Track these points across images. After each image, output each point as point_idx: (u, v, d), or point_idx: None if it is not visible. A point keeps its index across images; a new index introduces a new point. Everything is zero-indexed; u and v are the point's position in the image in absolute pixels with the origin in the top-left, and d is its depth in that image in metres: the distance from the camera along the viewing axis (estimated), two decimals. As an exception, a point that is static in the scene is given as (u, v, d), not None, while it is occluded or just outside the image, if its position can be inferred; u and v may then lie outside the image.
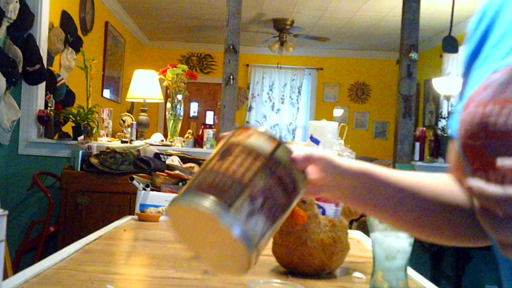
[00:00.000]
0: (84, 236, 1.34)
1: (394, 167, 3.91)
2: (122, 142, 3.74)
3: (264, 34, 7.21)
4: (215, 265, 0.63)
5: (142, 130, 4.02)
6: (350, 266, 1.18)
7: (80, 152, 3.33)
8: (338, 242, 1.08)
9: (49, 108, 3.84)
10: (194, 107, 8.60)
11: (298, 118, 8.52)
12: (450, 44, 4.70)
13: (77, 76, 4.59)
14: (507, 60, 0.62)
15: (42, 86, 3.77)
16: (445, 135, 4.16)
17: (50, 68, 4.09)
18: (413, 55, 3.85)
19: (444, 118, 4.46)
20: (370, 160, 7.65)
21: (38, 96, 3.71)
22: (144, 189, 1.87)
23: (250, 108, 8.46)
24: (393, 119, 4.23)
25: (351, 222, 2.66)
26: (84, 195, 3.25)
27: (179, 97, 3.92)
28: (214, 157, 0.61)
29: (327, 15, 6.35)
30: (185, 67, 3.92)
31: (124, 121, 3.97)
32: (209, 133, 3.85)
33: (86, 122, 3.71)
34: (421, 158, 4.02)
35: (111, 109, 3.98)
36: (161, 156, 2.29)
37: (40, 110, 3.69)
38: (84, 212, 3.24)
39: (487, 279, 4.00)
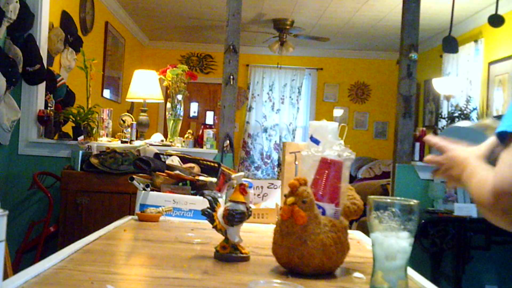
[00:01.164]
0: (84, 236, 1.33)
1: (394, 167, 3.91)
2: (122, 142, 3.74)
3: (264, 34, 7.21)
4: None
5: (142, 130, 4.02)
6: (350, 266, 1.18)
7: (80, 152, 3.33)
8: (338, 242, 1.07)
9: (49, 108, 3.84)
10: (194, 107, 8.61)
11: (298, 118, 8.52)
12: (450, 44, 4.70)
13: (77, 76, 4.59)
14: None
15: (42, 86, 3.77)
16: (445, 135, 4.14)
17: (50, 68, 4.09)
18: (413, 55, 3.85)
19: (444, 118, 4.46)
20: (370, 160, 7.66)
21: (38, 96, 3.71)
22: (144, 189, 1.87)
23: (250, 108, 8.46)
24: (393, 119, 4.23)
25: (351, 222, 2.66)
26: (84, 195, 3.25)
27: (179, 97, 3.92)
28: None
29: (327, 15, 6.35)
30: (185, 67, 3.92)
31: (124, 121, 3.97)
32: (209, 133, 3.85)
33: (86, 122, 3.71)
34: (421, 158, 4.01)
35: (111, 109, 3.98)
36: (161, 156, 2.28)
37: (40, 110, 3.70)
38: (84, 212, 3.24)
39: (487, 279, 4.00)
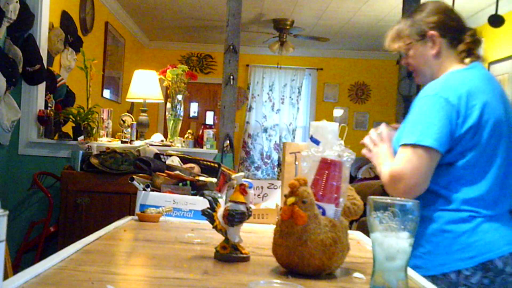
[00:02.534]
0: (84, 236, 1.33)
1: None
2: (122, 142, 3.74)
3: (264, 34, 7.21)
4: None
5: (142, 130, 4.02)
6: (350, 267, 1.18)
7: (80, 152, 3.33)
8: (338, 243, 1.07)
9: (49, 108, 3.84)
10: (194, 107, 8.61)
11: (298, 118, 8.52)
12: (450, 44, 4.69)
13: (77, 76, 4.60)
14: None
15: (42, 86, 3.77)
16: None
17: (50, 68, 4.09)
18: (413, 55, 3.85)
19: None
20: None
21: (38, 96, 3.71)
22: (144, 189, 1.87)
23: (250, 108, 8.46)
24: (393, 119, 4.24)
25: (351, 223, 2.66)
26: (84, 195, 3.25)
27: (179, 97, 3.92)
28: None
29: (327, 15, 6.36)
30: (185, 67, 3.92)
31: (124, 121, 3.97)
32: (209, 133, 3.85)
33: (86, 122, 3.71)
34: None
35: (111, 109, 3.98)
36: (161, 156, 2.29)
37: (40, 110, 3.70)
38: (84, 212, 3.24)
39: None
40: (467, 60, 1.65)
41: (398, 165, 1.52)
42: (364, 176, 7.27)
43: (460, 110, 1.50)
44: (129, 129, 3.86)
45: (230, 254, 1.19)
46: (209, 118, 8.54)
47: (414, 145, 1.49)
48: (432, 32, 1.65)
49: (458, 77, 1.59)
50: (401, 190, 1.49)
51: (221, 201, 1.33)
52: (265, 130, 8.47)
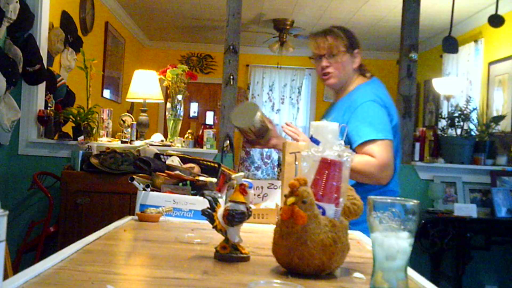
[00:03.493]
0: (84, 236, 1.33)
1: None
2: (122, 142, 3.74)
3: (264, 34, 7.21)
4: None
5: (142, 130, 4.02)
6: (350, 266, 1.18)
7: (80, 152, 3.33)
8: (338, 243, 1.07)
9: (49, 108, 3.85)
10: (194, 107, 8.61)
11: (298, 118, 8.52)
12: (450, 44, 4.70)
13: (77, 76, 4.59)
14: None
15: (42, 86, 3.77)
16: (445, 135, 4.15)
17: (50, 68, 4.09)
18: (413, 55, 3.85)
19: (444, 118, 4.46)
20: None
21: (38, 96, 3.72)
22: (144, 189, 1.87)
23: (250, 108, 8.45)
24: (393, 119, 4.23)
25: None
26: (84, 195, 3.25)
27: (179, 97, 3.92)
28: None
29: (327, 15, 6.35)
30: (185, 67, 3.92)
31: (124, 121, 3.97)
32: (209, 133, 3.85)
33: (86, 122, 3.71)
34: (421, 158, 4.01)
35: (111, 109, 3.98)
36: (161, 156, 2.28)
37: (40, 110, 3.70)
38: (84, 212, 3.24)
39: (487, 279, 4.00)
40: (368, 74, 2.15)
41: (383, 156, 1.90)
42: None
43: (390, 111, 1.99)
44: (129, 129, 3.86)
45: (230, 254, 1.19)
46: (209, 118, 8.54)
47: (383, 140, 1.91)
48: (358, 49, 2.11)
49: (377, 87, 2.07)
50: (389, 176, 1.93)
51: (221, 201, 1.33)
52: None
